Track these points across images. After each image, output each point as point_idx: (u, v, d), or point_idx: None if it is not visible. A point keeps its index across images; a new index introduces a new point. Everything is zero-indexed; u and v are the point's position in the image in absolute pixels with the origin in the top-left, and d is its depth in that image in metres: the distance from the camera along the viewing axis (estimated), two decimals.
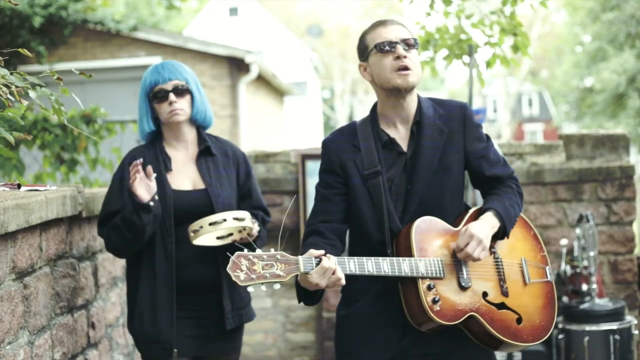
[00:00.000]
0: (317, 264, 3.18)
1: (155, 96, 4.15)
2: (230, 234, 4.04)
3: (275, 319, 7.24)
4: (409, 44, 3.51)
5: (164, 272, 4.05)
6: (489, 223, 3.47)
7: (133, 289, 4.17)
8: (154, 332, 4.05)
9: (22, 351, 3.30)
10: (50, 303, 3.73)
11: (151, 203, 3.93)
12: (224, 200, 4.13)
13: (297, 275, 3.22)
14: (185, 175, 4.18)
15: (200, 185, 4.16)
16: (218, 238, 4.04)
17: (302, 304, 3.47)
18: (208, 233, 3.93)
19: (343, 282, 3.23)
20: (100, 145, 7.36)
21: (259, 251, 3.14)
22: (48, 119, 7.03)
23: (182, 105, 4.13)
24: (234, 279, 3.05)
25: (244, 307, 4.24)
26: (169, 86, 4.13)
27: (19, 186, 3.80)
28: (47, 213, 3.58)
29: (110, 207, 4.09)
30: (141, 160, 3.94)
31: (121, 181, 4.10)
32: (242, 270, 3.07)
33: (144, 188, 3.91)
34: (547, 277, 3.70)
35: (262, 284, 3.11)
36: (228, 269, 3.06)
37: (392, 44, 3.49)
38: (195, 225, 3.94)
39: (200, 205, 4.08)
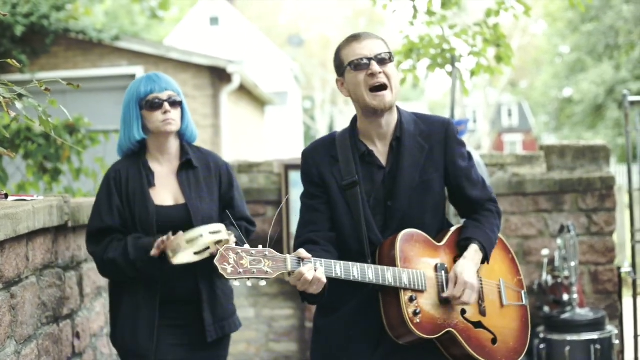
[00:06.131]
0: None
1: (148, 104, 4.13)
2: (207, 248, 4.01)
3: (258, 329, 7.25)
4: (383, 59, 3.46)
5: (146, 286, 4.08)
6: (474, 261, 3.48)
7: (116, 303, 4.20)
8: (133, 346, 4.08)
9: None
10: (37, 313, 3.73)
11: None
12: (204, 215, 4.13)
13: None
14: (167, 190, 4.19)
15: (182, 199, 4.17)
16: (196, 253, 4.02)
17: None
18: (186, 250, 3.92)
19: (316, 292, 3.23)
20: (84, 155, 7.35)
21: (247, 246, 3.13)
22: (31, 128, 7.02)
23: (174, 116, 4.14)
24: (220, 271, 3.04)
25: (227, 318, 4.25)
26: (164, 95, 4.13)
27: (6, 196, 3.81)
28: (35, 223, 3.59)
29: (100, 224, 4.09)
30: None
31: (109, 197, 4.11)
32: (229, 264, 3.06)
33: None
34: (522, 301, 3.71)
35: (249, 279, 3.10)
36: (215, 261, 3.05)
37: (366, 60, 3.44)
38: (172, 245, 3.93)
39: (180, 220, 4.09)
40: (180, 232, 3.94)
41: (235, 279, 3.08)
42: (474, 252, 3.50)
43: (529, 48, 45.22)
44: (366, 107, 3.48)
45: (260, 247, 3.15)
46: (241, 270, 3.07)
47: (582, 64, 33.63)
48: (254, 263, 3.10)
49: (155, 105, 4.12)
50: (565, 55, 37.44)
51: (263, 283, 3.16)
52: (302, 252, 3.23)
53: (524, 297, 3.72)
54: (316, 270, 3.19)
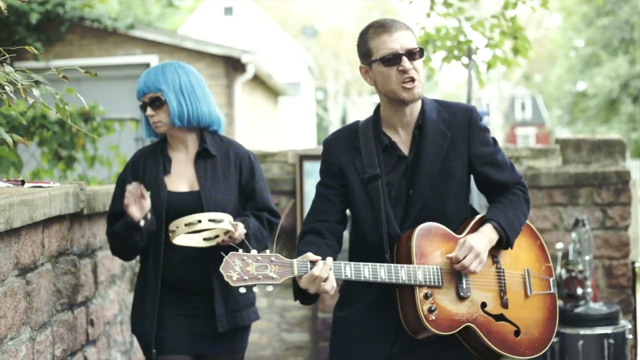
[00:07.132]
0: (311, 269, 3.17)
1: (141, 108, 4.25)
2: (217, 236, 4.04)
3: (271, 319, 7.25)
4: (414, 54, 3.43)
5: (152, 273, 4.14)
6: (487, 236, 3.43)
7: (134, 289, 4.33)
8: (142, 331, 4.18)
9: (24, 347, 3.31)
10: (52, 299, 3.74)
11: (141, 222, 3.99)
12: (217, 203, 4.12)
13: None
14: (183, 177, 4.22)
15: (196, 187, 4.18)
16: (205, 239, 4.05)
17: (298, 302, 3.44)
18: (184, 233, 3.95)
19: (331, 292, 3.21)
20: (98, 143, 7.36)
21: (254, 252, 3.13)
22: (46, 115, 7.03)
23: (159, 117, 4.16)
24: (226, 279, 3.05)
25: (241, 309, 4.22)
26: (146, 99, 4.18)
27: (22, 182, 3.82)
28: (51, 209, 3.59)
29: (114, 208, 4.21)
30: (136, 184, 4.02)
31: (123, 183, 4.18)
32: (234, 271, 3.07)
33: (137, 207, 3.99)
34: (550, 289, 3.64)
35: (254, 285, 3.11)
36: (221, 269, 3.07)
37: (397, 57, 3.40)
38: (172, 226, 3.97)
39: (192, 206, 4.09)
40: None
41: (241, 286, 3.09)
42: (487, 229, 3.45)
43: (543, 41, 45.07)
44: (396, 98, 3.45)
45: (267, 251, 3.16)
46: (247, 277, 3.08)
47: (597, 58, 33.55)
48: (260, 269, 3.10)
49: (144, 109, 4.21)
50: (579, 49, 37.36)
51: (270, 288, 3.16)
52: (310, 255, 3.21)
53: (552, 285, 3.65)
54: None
